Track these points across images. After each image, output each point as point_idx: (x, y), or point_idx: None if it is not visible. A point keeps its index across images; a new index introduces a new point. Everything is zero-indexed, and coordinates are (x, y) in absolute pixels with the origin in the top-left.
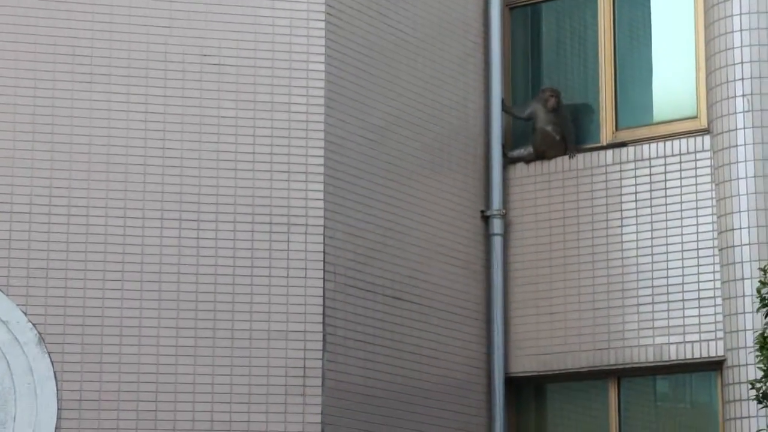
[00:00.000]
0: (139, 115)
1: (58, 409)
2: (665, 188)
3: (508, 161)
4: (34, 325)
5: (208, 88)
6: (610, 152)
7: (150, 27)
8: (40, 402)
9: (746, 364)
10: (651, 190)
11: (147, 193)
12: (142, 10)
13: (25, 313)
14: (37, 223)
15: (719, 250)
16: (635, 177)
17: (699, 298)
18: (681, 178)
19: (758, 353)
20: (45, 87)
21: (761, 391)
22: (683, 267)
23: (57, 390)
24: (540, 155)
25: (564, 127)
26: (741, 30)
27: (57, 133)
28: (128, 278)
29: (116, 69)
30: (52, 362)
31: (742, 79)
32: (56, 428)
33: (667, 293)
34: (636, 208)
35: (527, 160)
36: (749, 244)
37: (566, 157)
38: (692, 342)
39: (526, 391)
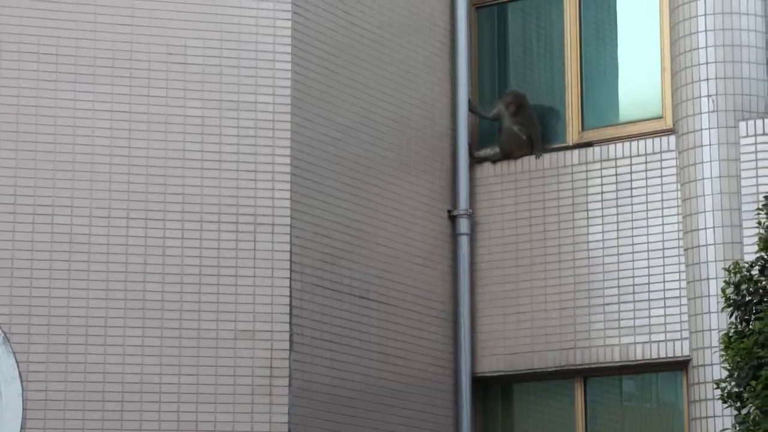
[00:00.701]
0: (104, 114)
1: (23, 409)
2: (631, 188)
3: (474, 161)
4: None
5: (174, 87)
6: (576, 152)
7: (115, 26)
8: (5, 402)
9: (711, 364)
10: (617, 190)
11: (113, 192)
12: (107, 8)
13: None
14: (1, 222)
15: (684, 250)
16: (601, 177)
17: (665, 298)
18: (647, 179)
19: (723, 353)
20: (9, 86)
21: (726, 391)
22: (649, 267)
23: (22, 390)
24: (506, 155)
25: (530, 127)
26: (706, 30)
27: (22, 132)
28: (94, 278)
29: (82, 68)
30: (17, 362)
31: (707, 79)
32: (21, 428)
33: (633, 293)
34: (602, 208)
35: (494, 159)
36: (714, 244)
37: (533, 157)
38: (658, 342)
39: (493, 391)
